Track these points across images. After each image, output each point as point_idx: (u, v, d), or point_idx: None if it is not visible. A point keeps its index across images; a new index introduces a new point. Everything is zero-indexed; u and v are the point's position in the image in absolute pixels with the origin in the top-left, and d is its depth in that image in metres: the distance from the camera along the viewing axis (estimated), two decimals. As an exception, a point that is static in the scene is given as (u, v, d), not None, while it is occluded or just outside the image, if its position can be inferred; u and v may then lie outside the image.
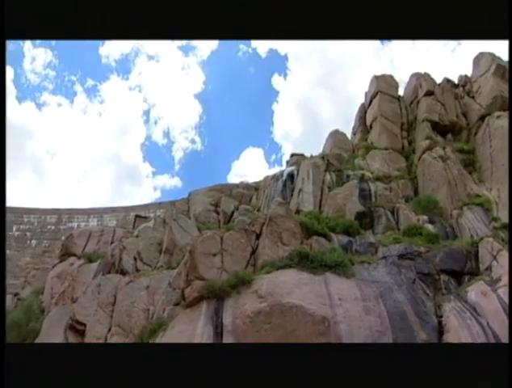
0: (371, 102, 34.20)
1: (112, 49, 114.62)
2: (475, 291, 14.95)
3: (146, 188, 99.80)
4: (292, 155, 35.07)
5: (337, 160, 29.46)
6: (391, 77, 35.16)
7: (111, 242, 27.98)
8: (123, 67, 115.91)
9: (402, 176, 27.29)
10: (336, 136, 34.80)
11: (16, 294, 30.86)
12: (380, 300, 14.13)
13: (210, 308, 14.54)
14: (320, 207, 25.03)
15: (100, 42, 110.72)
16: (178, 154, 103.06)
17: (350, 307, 13.63)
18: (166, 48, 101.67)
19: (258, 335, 13.04)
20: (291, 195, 27.45)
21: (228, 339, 13.34)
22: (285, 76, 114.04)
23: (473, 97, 30.64)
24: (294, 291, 14.09)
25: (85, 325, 18.28)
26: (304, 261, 15.70)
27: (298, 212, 23.55)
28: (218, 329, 13.73)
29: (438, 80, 33.30)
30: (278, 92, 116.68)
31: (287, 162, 34.62)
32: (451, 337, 13.24)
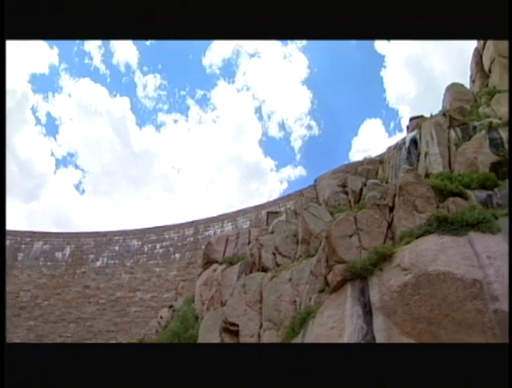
0: (485, 44, 32.03)
1: (214, 58, 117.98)
2: None
3: (272, 183, 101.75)
4: (411, 119, 33.68)
5: (460, 113, 27.85)
6: (502, 12, 32.63)
7: (248, 243, 28.74)
8: (228, 71, 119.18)
9: (534, 115, 25.20)
10: (454, 88, 32.95)
11: (171, 306, 32.72)
12: (534, 250, 13.13)
13: (355, 289, 14.46)
14: (450, 166, 23.84)
15: (202, 54, 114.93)
16: (297, 144, 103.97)
17: (501, 264, 12.74)
18: (265, 43, 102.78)
19: (408, 307, 12.73)
20: (418, 160, 26.41)
21: (377, 316, 13.20)
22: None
23: None
24: (438, 257, 13.52)
25: (237, 325, 19.06)
26: (444, 225, 14.98)
27: (428, 176, 22.62)
28: (366, 308, 13.63)
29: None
30: (383, 56, 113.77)
31: (408, 127, 33.38)
32: None
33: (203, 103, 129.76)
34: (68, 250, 49.69)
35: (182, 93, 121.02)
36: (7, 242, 49.30)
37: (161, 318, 31.67)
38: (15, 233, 50.98)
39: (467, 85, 34.02)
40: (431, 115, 29.87)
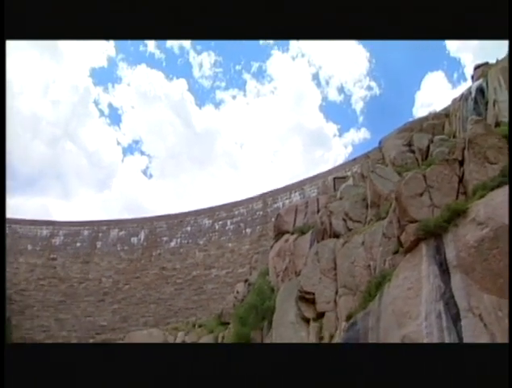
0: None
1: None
2: None
3: (336, 149, 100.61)
4: (476, 67, 32.20)
5: (529, 55, 26.37)
6: None
7: (318, 211, 28.51)
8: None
9: None
10: (520, 29, 31.20)
11: (246, 280, 33.11)
12: None
13: (430, 248, 14.05)
14: (522, 112, 22.67)
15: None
16: (358, 106, 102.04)
17: None
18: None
19: (487, 263, 12.20)
20: (486, 109, 25.23)
21: (455, 274, 12.74)
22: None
23: None
24: (516, 208, 12.91)
25: (313, 293, 19.11)
26: (519, 174, 14.31)
27: (498, 125, 21.56)
28: (443, 266, 13.20)
29: None
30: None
31: (472, 77, 31.96)
32: None
33: (260, 75, 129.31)
34: (142, 235, 51.28)
35: (238, 68, 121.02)
36: (86, 233, 51.36)
37: (237, 292, 32.17)
38: (92, 223, 53.01)
39: (535, 23, 32.02)
40: (497, 61, 28.44)
